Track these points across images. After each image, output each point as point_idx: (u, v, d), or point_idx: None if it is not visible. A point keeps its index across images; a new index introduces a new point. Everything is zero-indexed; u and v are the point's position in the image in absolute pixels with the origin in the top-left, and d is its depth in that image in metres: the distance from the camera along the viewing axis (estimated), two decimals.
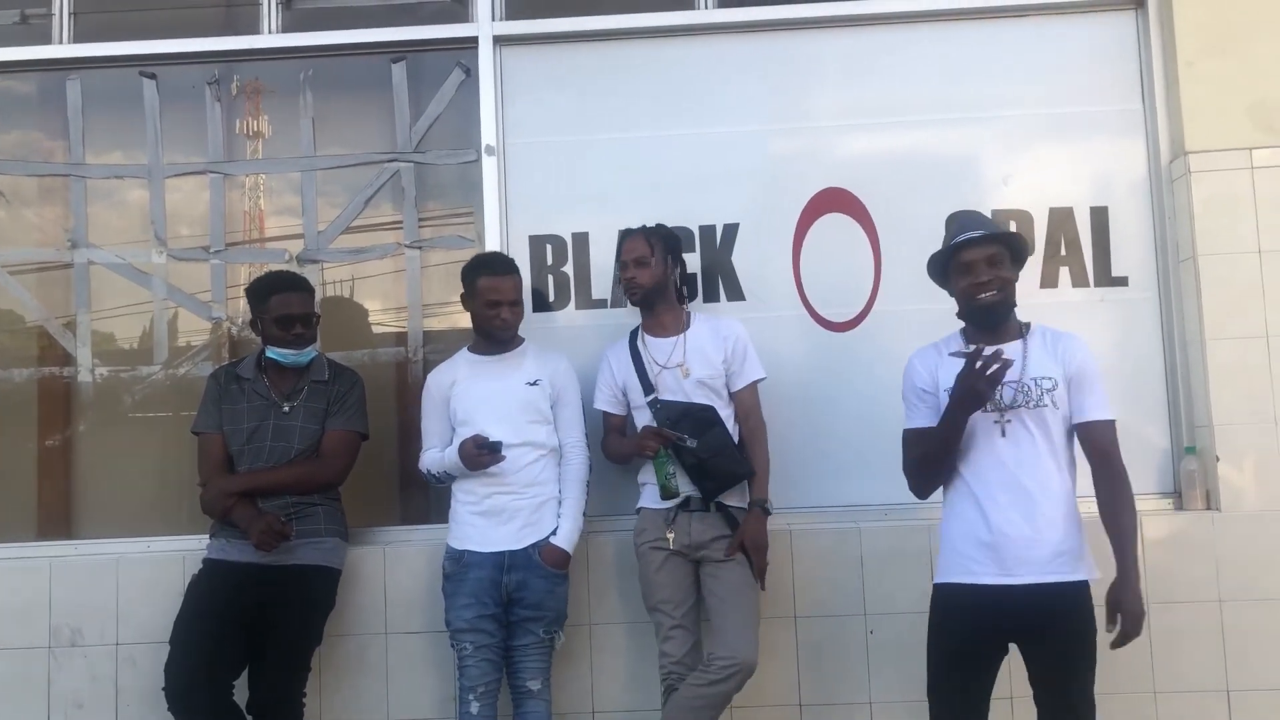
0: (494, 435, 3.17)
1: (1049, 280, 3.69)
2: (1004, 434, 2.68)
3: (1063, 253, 3.70)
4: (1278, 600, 3.40)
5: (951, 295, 2.83)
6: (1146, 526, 3.46)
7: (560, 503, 3.30)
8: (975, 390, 2.59)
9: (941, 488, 2.83)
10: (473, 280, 3.31)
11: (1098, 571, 2.70)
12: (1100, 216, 3.71)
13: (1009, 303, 2.75)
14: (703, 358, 3.27)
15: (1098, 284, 3.69)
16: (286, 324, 3.28)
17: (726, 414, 3.27)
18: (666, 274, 3.33)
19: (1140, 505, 3.47)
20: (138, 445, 3.86)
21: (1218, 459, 3.46)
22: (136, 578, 3.54)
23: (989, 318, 2.75)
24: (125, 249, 3.88)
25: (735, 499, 3.25)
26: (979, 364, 2.58)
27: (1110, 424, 2.71)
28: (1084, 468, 2.78)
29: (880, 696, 3.45)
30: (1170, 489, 3.61)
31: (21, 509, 3.85)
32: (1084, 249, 3.70)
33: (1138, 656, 3.39)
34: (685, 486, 3.21)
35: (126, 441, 3.86)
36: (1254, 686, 3.40)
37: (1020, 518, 2.64)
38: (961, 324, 2.86)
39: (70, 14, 3.86)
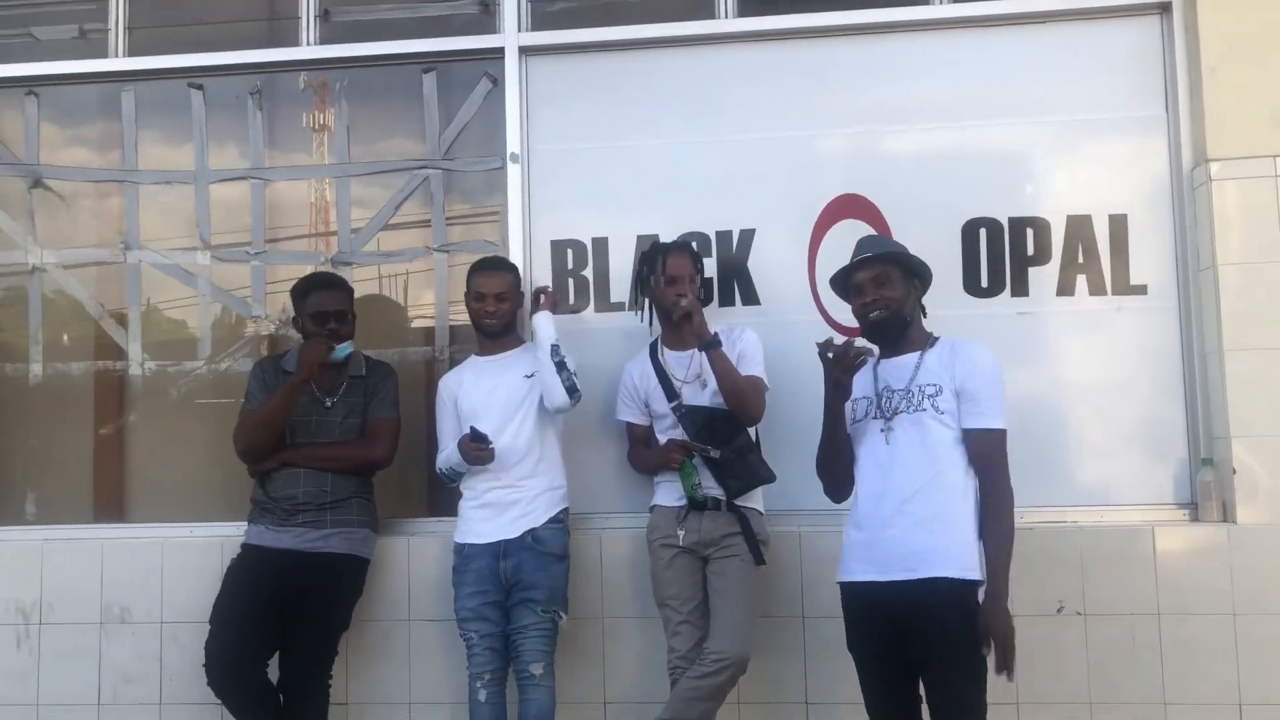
0: (486, 429, 3.30)
1: (1065, 288, 3.67)
2: (887, 441, 2.74)
3: (1080, 260, 3.68)
4: None
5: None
6: (1160, 537, 3.47)
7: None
8: (834, 379, 2.71)
9: None
10: (471, 278, 3.50)
11: (979, 574, 2.64)
12: (1119, 223, 3.68)
13: (899, 319, 2.81)
14: None
15: (1115, 292, 3.66)
16: (321, 320, 3.45)
17: None
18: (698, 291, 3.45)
19: (1156, 515, 3.56)
20: (182, 436, 4.06)
21: (1234, 471, 3.42)
22: (180, 560, 3.74)
23: (880, 334, 2.82)
24: (173, 250, 4.09)
25: (746, 499, 3.34)
26: (832, 354, 2.69)
27: (991, 433, 2.70)
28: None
29: None
30: (1187, 500, 3.58)
31: (78, 493, 4.10)
32: (1102, 256, 3.68)
33: (1150, 668, 3.43)
34: (712, 488, 3.30)
35: (172, 432, 4.07)
36: (1267, 700, 3.37)
37: (892, 517, 2.68)
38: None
39: (125, 29, 4.08)
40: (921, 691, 2.74)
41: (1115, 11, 3.72)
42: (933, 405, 2.71)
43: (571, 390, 3.35)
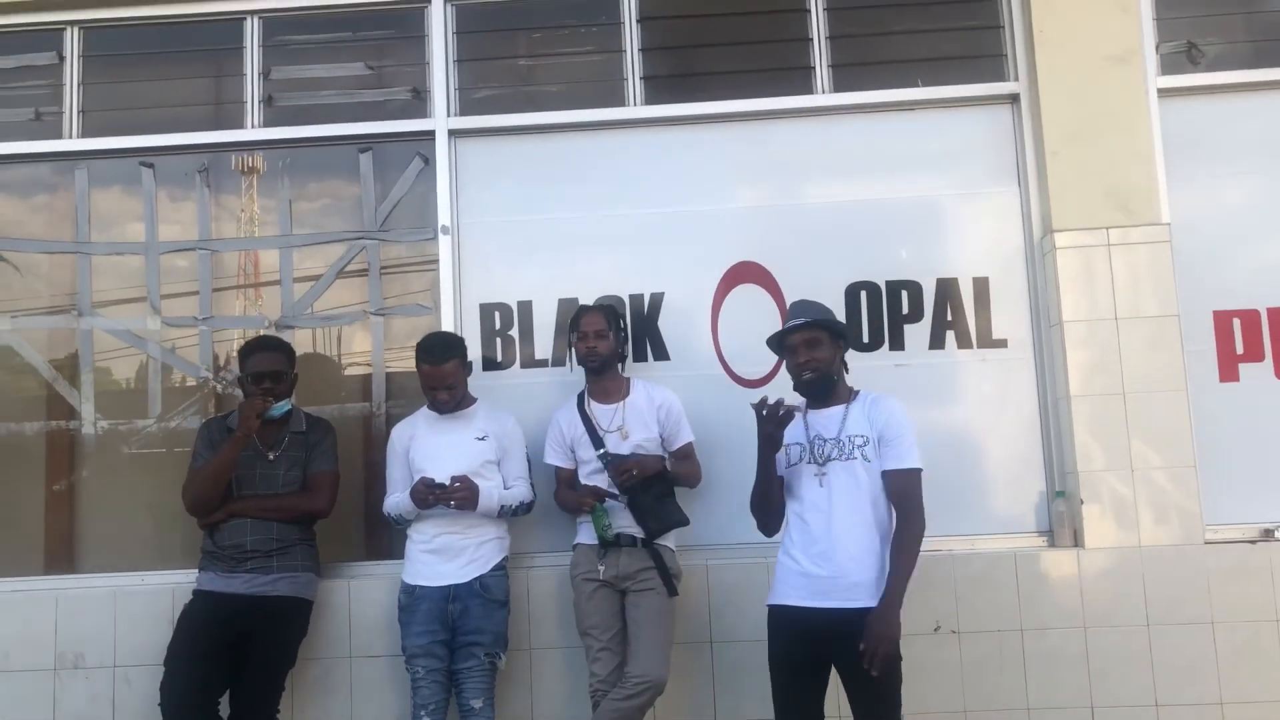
0: (440, 479, 3.61)
1: (937, 342, 4.16)
2: (821, 484, 3.15)
3: (949, 318, 4.17)
4: (1132, 626, 3.84)
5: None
6: (1022, 562, 3.91)
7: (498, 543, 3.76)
8: (765, 433, 3.11)
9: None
10: (418, 362, 3.74)
11: None
12: (982, 285, 4.18)
13: (828, 377, 3.21)
14: (640, 423, 3.75)
15: (980, 346, 4.16)
16: (258, 380, 3.74)
17: None
18: (617, 347, 3.82)
19: (1018, 543, 4.01)
20: (133, 490, 4.29)
21: (1082, 502, 3.90)
22: (132, 607, 3.97)
23: (810, 391, 3.24)
24: (123, 310, 4.36)
25: (660, 538, 3.70)
26: (765, 412, 3.09)
27: (907, 472, 3.12)
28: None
29: None
30: (1045, 528, 4.06)
31: (30, 546, 4.29)
32: (968, 315, 4.17)
33: (1014, 678, 3.84)
34: (630, 528, 3.65)
35: (124, 487, 4.30)
36: (1115, 703, 3.82)
37: (828, 552, 3.09)
38: None
39: (79, 111, 4.38)
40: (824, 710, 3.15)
41: (973, 101, 4.26)
42: (862, 454, 3.13)
43: (530, 507, 3.80)
